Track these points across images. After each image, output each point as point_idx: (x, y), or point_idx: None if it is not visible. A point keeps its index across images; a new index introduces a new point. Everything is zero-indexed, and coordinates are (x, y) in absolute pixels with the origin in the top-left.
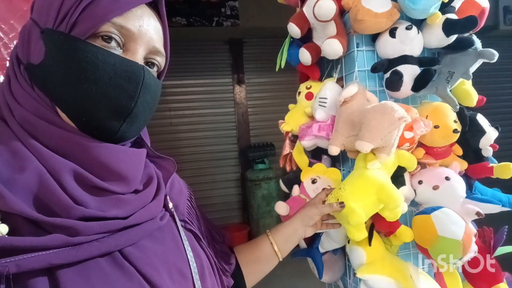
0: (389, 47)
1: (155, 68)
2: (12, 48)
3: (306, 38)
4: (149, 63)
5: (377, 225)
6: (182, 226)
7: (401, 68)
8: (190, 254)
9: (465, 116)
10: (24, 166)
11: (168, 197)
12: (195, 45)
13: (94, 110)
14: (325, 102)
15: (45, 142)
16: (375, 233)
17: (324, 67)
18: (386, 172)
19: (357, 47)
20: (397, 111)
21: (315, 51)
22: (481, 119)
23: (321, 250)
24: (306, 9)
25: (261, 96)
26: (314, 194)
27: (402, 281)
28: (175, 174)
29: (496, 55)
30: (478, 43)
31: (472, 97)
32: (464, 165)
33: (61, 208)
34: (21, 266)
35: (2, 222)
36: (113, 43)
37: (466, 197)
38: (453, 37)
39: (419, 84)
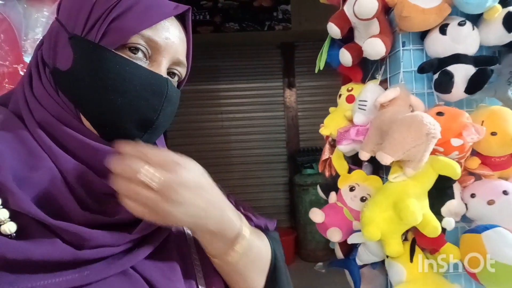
0: (439, 46)
1: (176, 78)
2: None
3: (348, 38)
4: (170, 73)
5: (419, 241)
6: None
7: (453, 68)
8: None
9: None
10: (38, 165)
11: None
12: (247, 49)
13: (118, 121)
14: (365, 105)
15: (64, 145)
16: (418, 249)
17: (368, 69)
18: (418, 184)
19: (403, 46)
20: (426, 126)
21: (357, 51)
22: None
23: (359, 262)
24: (347, 8)
25: (312, 100)
26: (352, 202)
27: None
28: None
29: None
30: None
31: None
32: None
33: (67, 211)
34: None
35: (11, 221)
36: (140, 54)
37: None
38: None
39: (473, 85)
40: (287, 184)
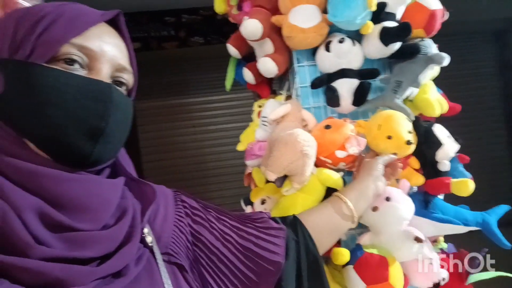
0: (326, 62)
1: (124, 87)
2: None
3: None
4: (117, 82)
5: None
6: (165, 260)
7: (338, 83)
8: None
9: (418, 126)
10: None
11: (147, 230)
12: (214, 62)
13: (64, 136)
14: (266, 121)
15: (10, 177)
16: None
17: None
18: (306, 196)
19: (297, 63)
20: (300, 143)
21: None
22: (438, 130)
23: None
24: (241, 29)
25: None
26: None
27: None
28: (160, 192)
29: (445, 58)
30: (431, 48)
31: (433, 106)
32: (420, 179)
33: (20, 247)
34: None
35: None
36: (76, 65)
37: (426, 216)
38: (396, 46)
39: (358, 98)
40: None
